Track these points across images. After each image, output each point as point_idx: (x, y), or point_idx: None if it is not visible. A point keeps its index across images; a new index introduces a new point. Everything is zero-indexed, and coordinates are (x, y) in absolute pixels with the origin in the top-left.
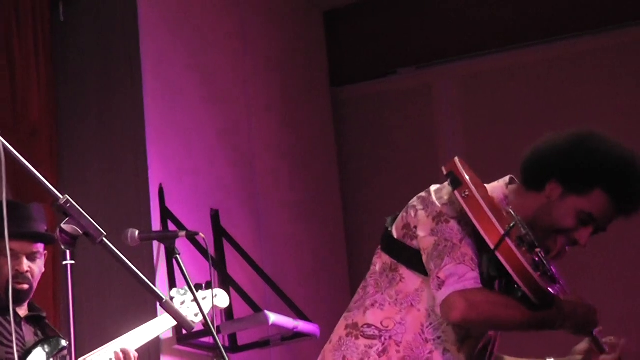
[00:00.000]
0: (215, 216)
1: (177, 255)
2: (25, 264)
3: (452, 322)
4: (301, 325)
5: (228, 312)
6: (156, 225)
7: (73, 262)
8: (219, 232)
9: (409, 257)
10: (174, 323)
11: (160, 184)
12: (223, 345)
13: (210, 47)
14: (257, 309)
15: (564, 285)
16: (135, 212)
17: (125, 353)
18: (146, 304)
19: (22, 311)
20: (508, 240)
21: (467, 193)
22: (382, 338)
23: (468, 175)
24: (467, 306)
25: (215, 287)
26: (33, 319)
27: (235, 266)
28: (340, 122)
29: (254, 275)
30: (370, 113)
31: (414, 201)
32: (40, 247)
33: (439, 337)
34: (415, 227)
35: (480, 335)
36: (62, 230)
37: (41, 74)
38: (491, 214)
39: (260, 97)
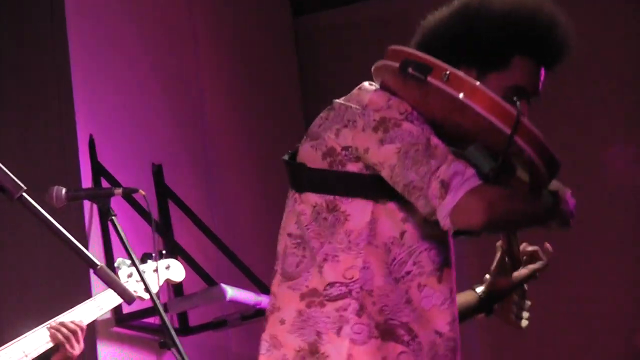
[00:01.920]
0: (157, 172)
1: (113, 217)
2: None
3: (475, 228)
4: (265, 301)
5: (176, 287)
6: (87, 183)
7: None
8: (163, 192)
9: (348, 184)
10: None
11: (91, 135)
12: (172, 327)
13: None
14: (211, 282)
15: None
16: (61, 168)
17: (61, 326)
18: (77, 275)
19: None
20: (524, 119)
21: (447, 73)
22: (353, 292)
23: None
24: (488, 205)
25: (167, 257)
26: None
27: (183, 232)
28: (303, 58)
29: (206, 242)
30: (338, 46)
31: (322, 123)
32: None
33: (408, 273)
34: (348, 147)
35: (451, 263)
36: None
37: None
38: (492, 93)
39: (209, 31)
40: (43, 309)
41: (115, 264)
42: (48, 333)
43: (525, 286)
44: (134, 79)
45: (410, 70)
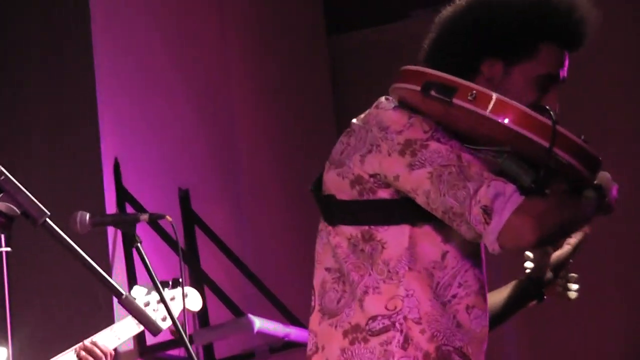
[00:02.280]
0: (184, 197)
1: (139, 244)
2: None
3: (527, 247)
4: (293, 333)
5: (203, 318)
6: (111, 208)
7: (9, 249)
8: (190, 218)
9: (382, 212)
10: (139, 329)
11: (116, 158)
12: (197, 358)
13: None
14: (238, 312)
15: None
16: (85, 192)
17: (93, 348)
18: (99, 303)
19: None
20: (560, 129)
21: (474, 93)
22: (397, 324)
23: None
24: (537, 221)
25: (185, 285)
26: None
27: (211, 259)
28: (340, 79)
29: (234, 271)
30: (376, 65)
31: (344, 149)
32: None
33: (454, 296)
34: (376, 174)
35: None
36: None
37: None
38: (523, 106)
39: (240, 53)
40: (64, 337)
41: (132, 293)
42: (75, 357)
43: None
44: (162, 100)
45: (433, 92)
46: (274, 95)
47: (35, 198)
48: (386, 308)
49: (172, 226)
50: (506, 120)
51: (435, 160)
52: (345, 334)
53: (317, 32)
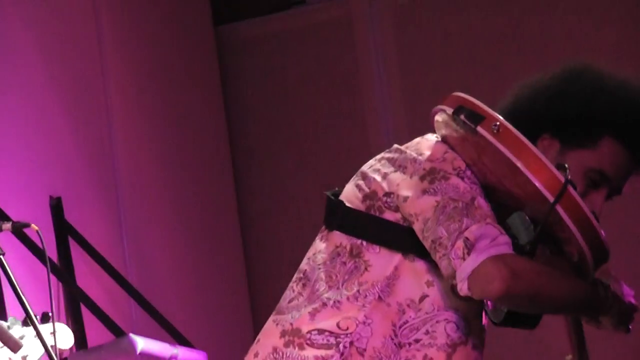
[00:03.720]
0: (56, 206)
1: (1, 257)
2: None
3: (490, 297)
4: (182, 354)
5: (80, 339)
6: None
7: None
8: (63, 229)
9: (379, 231)
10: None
11: None
12: None
13: None
14: (119, 332)
15: None
16: None
17: None
18: None
19: None
20: (571, 190)
21: (498, 125)
22: (340, 346)
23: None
24: (511, 275)
25: (55, 309)
26: None
27: (87, 274)
28: (227, 73)
29: (114, 287)
30: (269, 58)
31: (374, 164)
32: None
33: (417, 341)
34: (390, 194)
35: (480, 343)
36: None
37: None
38: (540, 154)
39: (118, 47)
40: None
41: (7, 324)
42: None
43: None
44: (28, 95)
45: (462, 117)
46: (157, 91)
47: None
48: (338, 326)
49: (39, 235)
50: (519, 162)
51: (448, 193)
52: (283, 333)
53: (203, 22)
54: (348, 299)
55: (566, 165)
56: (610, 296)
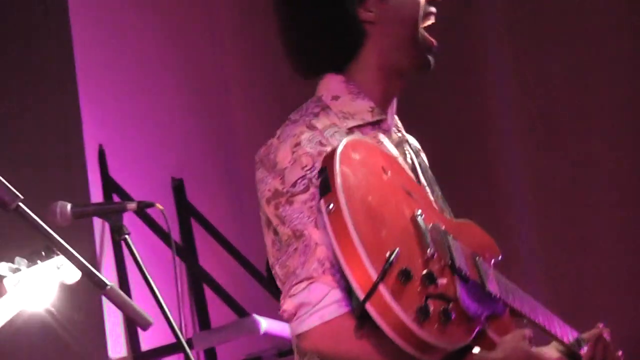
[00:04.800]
0: (178, 187)
1: (127, 236)
2: None
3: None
4: None
5: (203, 319)
6: (97, 200)
7: None
8: (185, 209)
9: None
10: (13, 311)
11: (100, 145)
12: None
13: None
14: (242, 313)
15: (515, 303)
16: (67, 183)
17: None
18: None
19: None
20: (382, 289)
21: (333, 207)
22: None
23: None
24: (333, 345)
25: (183, 283)
26: None
27: (210, 255)
28: None
29: (237, 268)
30: None
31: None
32: None
33: None
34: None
35: None
36: None
37: None
38: (361, 246)
39: (235, 26)
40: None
41: (15, 266)
42: None
43: None
44: (149, 84)
45: (320, 179)
46: (273, 73)
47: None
48: None
49: (164, 215)
50: (338, 251)
51: (292, 222)
52: None
53: None
54: None
55: (391, 257)
56: None
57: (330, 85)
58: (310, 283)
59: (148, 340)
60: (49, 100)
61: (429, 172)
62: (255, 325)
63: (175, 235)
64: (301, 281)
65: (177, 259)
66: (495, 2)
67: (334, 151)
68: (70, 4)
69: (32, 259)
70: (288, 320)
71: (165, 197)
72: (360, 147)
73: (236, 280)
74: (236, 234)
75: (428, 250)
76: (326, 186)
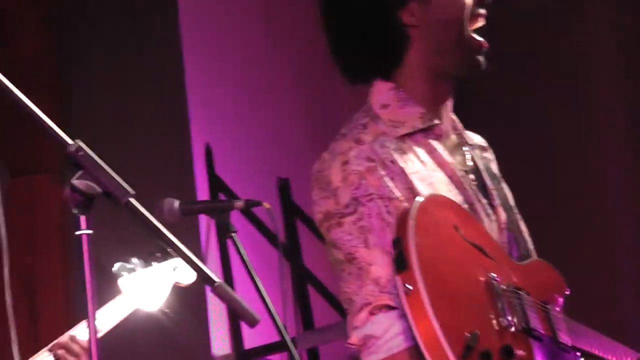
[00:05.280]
0: (284, 187)
1: (233, 234)
2: None
3: None
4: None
5: (307, 319)
6: (204, 198)
7: (90, 232)
8: (291, 209)
9: None
10: (128, 310)
11: (207, 144)
12: None
13: None
14: (345, 313)
15: (585, 345)
16: (175, 181)
17: (64, 347)
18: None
19: None
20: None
21: (410, 288)
22: None
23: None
24: None
25: (287, 283)
26: None
27: (314, 255)
28: None
29: None
30: None
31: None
32: None
33: None
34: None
35: None
36: (73, 188)
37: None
38: (440, 330)
39: None
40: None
41: (114, 269)
42: (50, 357)
43: None
44: (256, 86)
45: (396, 251)
46: None
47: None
48: None
49: (271, 214)
50: (416, 332)
51: (344, 246)
52: None
53: None
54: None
55: (469, 341)
56: None
57: (379, 93)
58: (371, 314)
59: (251, 339)
60: (158, 100)
61: (494, 169)
62: None
63: (280, 235)
64: (360, 309)
65: (283, 258)
66: (605, 14)
67: (406, 219)
68: (180, 10)
69: (147, 260)
70: (358, 352)
71: (270, 197)
72: (430, 208)
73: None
74: None
75: (503, 320)
76: (402, 263)
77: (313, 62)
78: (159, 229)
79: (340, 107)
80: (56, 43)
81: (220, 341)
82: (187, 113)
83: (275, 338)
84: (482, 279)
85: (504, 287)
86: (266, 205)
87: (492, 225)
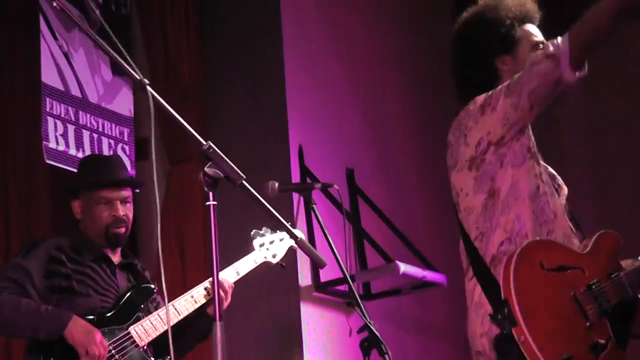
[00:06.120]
0: (350, 175)
1: (314, 206)
2: (120, 208)
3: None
4: (429, 275)
5: (362, 262)
6: (296, 181)
7: (215, 202)
8: (354, 190)
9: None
10: (259, 262)
11: (300, 145)
12: (358, 293)
13: (347, 13)
14: (388, 259)
15: None
16: (276, 171)
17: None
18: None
19: (116, 258)
20: None
21: (522, 339)
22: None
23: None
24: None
25: (350, 241)
26: (126, 266)
27: (369, 221)
28: None
29: (386, 229)
30: None
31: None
32: (129, 192)
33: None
34: (480, 137)
35: None
36: (205, 174)
37: (191, 42)
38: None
39: (395, 53)
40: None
41: (251, 234)
42: (204, 291)
43: None
44: (335, 96)
45: (505, 310)
46: (421, 89)
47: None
48: (505, 231)
49: (339, 192)
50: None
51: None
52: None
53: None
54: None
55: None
56: None
57: None
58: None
59: (324, 276)
60: (264, 108)
61: None
62: (397, 268)
63: (346, 207)
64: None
65: (346, 222)
66: None
67: (508, 281)
68: (285, 37)
69: (274, 229)
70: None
71: (341, 181)
72: (522, 264)
73: (386, 238)
74: (387, 207)
75: (587, 323)
76: (512, 320)
77: (370, 80)
78: (264, 203)
79: (387, 112)
80: (203, 72)
81: (304, 277)
82: (287, 125)
83: (340, 275)
84: (569, 295)
85: (583, 295)
86: (335, 186)
87: (561, 200)
